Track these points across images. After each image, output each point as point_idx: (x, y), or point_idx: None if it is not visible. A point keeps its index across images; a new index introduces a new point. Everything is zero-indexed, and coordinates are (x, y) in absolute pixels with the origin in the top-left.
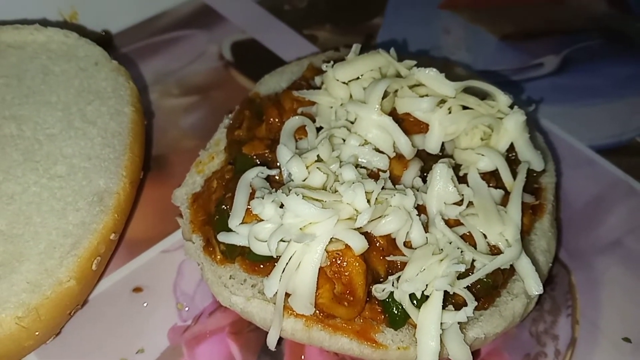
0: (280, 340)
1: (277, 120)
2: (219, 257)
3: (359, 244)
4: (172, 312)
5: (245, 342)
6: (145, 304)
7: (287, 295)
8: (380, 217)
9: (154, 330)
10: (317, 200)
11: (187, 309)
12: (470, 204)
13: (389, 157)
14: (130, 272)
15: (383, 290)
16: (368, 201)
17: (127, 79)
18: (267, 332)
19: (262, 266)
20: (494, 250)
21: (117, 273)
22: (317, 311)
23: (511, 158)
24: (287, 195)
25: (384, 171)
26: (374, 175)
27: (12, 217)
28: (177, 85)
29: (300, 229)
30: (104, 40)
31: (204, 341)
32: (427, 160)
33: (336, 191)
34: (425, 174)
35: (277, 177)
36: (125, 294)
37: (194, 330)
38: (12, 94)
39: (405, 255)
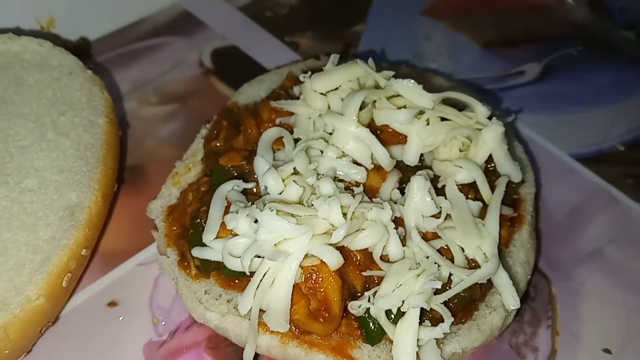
0: (257, 356)
1: (254, 130)
2: (193, 272)
3: (334, 260)
4: (148, 326)
5: (222, 357)
6: (121, 318)
7: (263, 311)
8: (357, 231)
9: (128, 345)
10: (292, 215)
11: (163, 323)
12: (448, 216)
13: (367, 169)
14: (105, 286)
15: (359, 307)
16: (344, 215)
17: (101, 89)
18: (244, 347)
19: (237, 281)
20: (472, 264)
21: (92, 287)
22: (293, 327)
23: (490, 169)
24: (261, 210)
25: (358, 185)
26: (352, 188)
27: None
28: (156, 93)
29: (275, 244)
30: (81, 48)
31: (180, 356)
32: (405, 172)
33: (313, 205)
34: (404, 186)
35: (254, 190)
36: (100, 309)
37: (170, 345)
38: None
39: (382, 270)
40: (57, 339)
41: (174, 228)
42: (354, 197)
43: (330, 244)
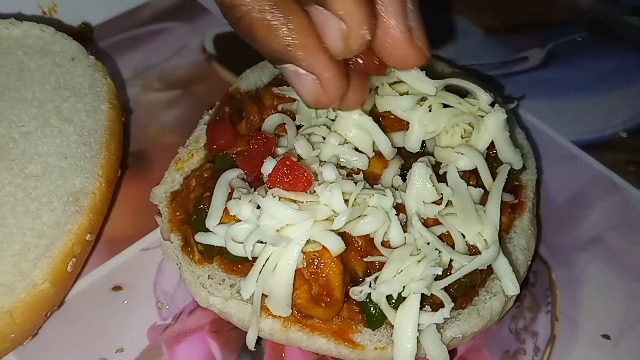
0: (260, 339)
1: (257, 117)
2: (197, 257)
3: (335, 246)
4: (152, 310)
5: (225, 340)
6: (125, 302)
7: (265, 295)
8: (358, 217)
9: (133, 329)
10: (294, 201)
11: (167, 307)
12: (449, 203)
13: (369, 157)
14: (110, 271)
15: (360, 292)
16: (346, 202)
17: (104, 75)
18: (247, 331)
19: (240, 266)
20: (472, 250)
21: (97, 271)
22: (295, 311)
23: (492, 155)
24: (263, 197)
25: (358, 173)
26: (352, 175)
27: None
28: (158, 79)
29: (277, 230)
30: (84, 34)
31: (183, 340)
32: (407, 158)
33: (315, 191)
34: (405, 172)
35: None
36: (105, 293)
37: (174, 329)
38: None
39: (383, 256)
40: (63, 323)
41: (177, 214)
42: (355, 184)
43: (332, 230)
